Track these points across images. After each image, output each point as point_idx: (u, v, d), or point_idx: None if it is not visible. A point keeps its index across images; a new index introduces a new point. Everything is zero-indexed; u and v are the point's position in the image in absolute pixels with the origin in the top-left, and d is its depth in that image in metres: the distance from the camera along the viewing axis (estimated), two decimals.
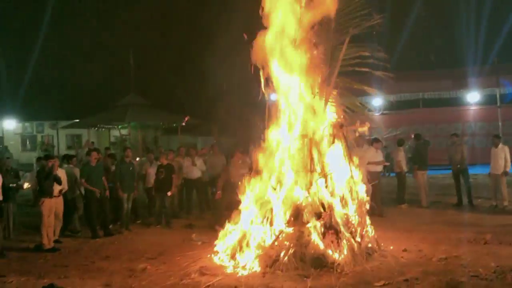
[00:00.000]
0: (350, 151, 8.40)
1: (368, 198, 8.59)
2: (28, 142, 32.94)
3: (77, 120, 27.33)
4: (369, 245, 7.83)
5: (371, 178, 10.13)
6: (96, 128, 27.88)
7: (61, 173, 10.01)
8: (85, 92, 30.23)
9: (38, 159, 10.58)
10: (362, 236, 7.84)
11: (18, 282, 7.17)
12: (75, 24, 30.02)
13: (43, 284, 6.76)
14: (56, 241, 9.72)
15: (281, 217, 7.75)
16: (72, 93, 30.61)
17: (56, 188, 9.68)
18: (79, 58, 31.29)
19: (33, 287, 6.80)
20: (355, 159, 8.52)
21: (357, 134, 9.46)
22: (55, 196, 9.64)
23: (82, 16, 30.51)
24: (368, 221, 8.20)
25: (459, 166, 12.77)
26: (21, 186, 10.72)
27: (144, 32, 28.17)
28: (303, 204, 7.77)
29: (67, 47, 31.22)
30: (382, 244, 8.17)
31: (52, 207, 9.60)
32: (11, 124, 30.52)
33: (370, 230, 8.07)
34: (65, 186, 10.08)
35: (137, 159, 16.48)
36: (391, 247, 8.25)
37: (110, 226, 11.24)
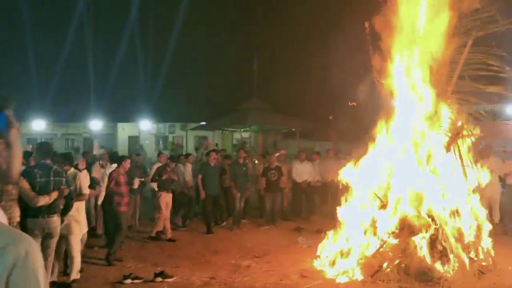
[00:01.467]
0: (466, 161, 7.89)
1: (487, 212, 8.00)
2: (161, 142, 35.78)
3: (204, 123, 29.00)
4: (484, 263, 7.29)
5: (508, 192, 9.39)
6: (221, 131, 29.33)
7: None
8: (212, 97, 31.95)
9: (170, 158, 11.56)
10: (476, 253, 7.34)
11: (135, 268, 7.91)
12: (203, 31, 31.83)
13: (157, 271, 7.39)
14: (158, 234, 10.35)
15: (387, 227, 7.55)
16: (201, 97, 32.55)
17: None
18: (206, 65, 33.14)
19: (147, 273, 7.45)
20: (484, 170, 7.98)
21: (481, 145, 8.86)
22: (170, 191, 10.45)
23: (209, 23, 32.24)
24: (486, 237, 7.64)
25: None
26: (148, 181, 11.73)
27: (266, 37, 29.00)
28: (410, 215, 7.50)
29: (197, 53, 33.26)
30: (499, 264, 7.54)
31: (169, 201, 10.42)
32: (146, 125, 33.20)
33: (486, 247, 7.51)
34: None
35: (256, 161, 17.03)
36: (510, 268, 7.57)
37: (224, 223, 11.90)
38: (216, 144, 28.79)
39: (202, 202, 11.60)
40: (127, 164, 8.81)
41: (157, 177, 10.42)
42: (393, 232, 7.35)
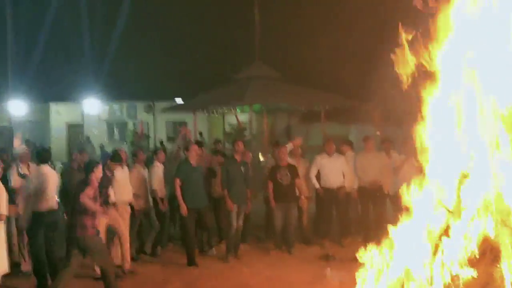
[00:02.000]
0: None
1: None
2: (116, 131, 35.80)
3: (181, 101, 28.97)
4: None
5: None
6: (206, 113, 29.28)
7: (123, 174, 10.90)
8: (193, 63, 31.85)
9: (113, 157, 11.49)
10: None
11: None
12: None
13: None
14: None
15: (460, 252, 7.46)
16: (176, 65, 32.40)
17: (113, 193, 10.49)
18: (182, 17, 33.00)
19: None
20: None
21: None
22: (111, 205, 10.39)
23: None
24: None
25: None
26: None
27: None
28: (496, 234, 7.40)
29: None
30: None
31: (125, 219, 10.53)
32: (94, 106, 32.88)
33: None
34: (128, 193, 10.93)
35: (261, 158, 16.93)
36: None
37: (213, 251, 11.97)
38: (200, 134, 28.81)
39: (181, 220, 11.54)
40: (99, 172, 8.89)
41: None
42: (470, 260, 7.26)
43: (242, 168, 11.87)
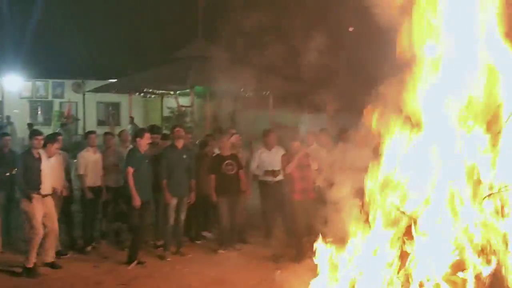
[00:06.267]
0: None
1: None
2: (40, 111, 35.15)
3: (114, 80, 28.62)
4: None
5: None
6: (142, 95, 29.04)
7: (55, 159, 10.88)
8: (129, 38, 31.50)
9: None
10: None
11: None
12: None
13: None
14: (51, 265, 10.61)
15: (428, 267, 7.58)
16: (110, 40, 32.01)
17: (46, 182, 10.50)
18: None
19: None
20: None
21: None
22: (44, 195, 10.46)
23: None
24: None
25: None
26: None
27: None
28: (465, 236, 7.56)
29: None
30: None
31: (49, 208, 10.49)
32: (14, 83, 32.24)
33: None
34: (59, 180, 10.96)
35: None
36: None
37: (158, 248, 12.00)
38: (131, 118, 28.45)
39: (129, 212, 11.42)
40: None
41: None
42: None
43: (185, 156, 11.88)
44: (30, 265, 10.18)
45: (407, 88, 8.30)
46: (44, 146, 10.70)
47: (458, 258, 7.42)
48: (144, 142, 11.28)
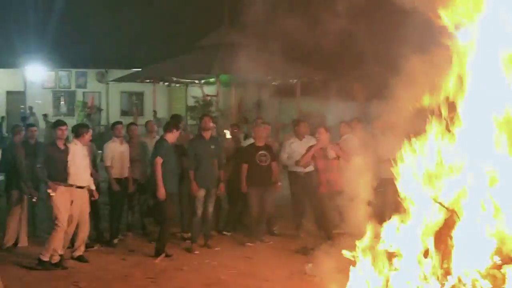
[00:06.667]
0: None
1: None
2: (63, 102, 35.26)
3: (137, 70, 28.61)
4: None
5: None
6: (166, 84, 29.03)
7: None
8: (152, 27, 31.43)
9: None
10: None
11: None
12: None
13: None
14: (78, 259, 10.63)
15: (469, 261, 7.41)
16: (133, 29, 31.93)
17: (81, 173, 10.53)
18: None
19: None
20: None
21: None
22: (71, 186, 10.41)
23: None
24: None
25: None
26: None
27: None
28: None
29: None
30: None
31: (67, 202, 10.37)
32: (37, 73, 32.35)
33: None
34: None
35: (227, 136, 16.92)
36: None
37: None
38: (154, 112, 28.40)
39: (156, 205, 11.41)
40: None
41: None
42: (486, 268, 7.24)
43: (212, 147, 11.81)
44: (46, 258, 10.07)
45: (443, 75, 8.17)
46: (77, 136, 10.67)
47: (498, 252, 7.31)
48: (173, 137, 11.24)
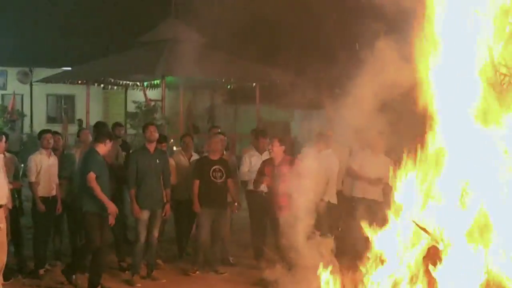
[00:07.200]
0: None
1: None
2: None
3: (68, 69, 28.51)
4: None
5: None
6: (102, 86, 28.93)
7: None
8: (87, 21, 31.43)
9: None
10: None
11: None
12: None
13: None
14: None
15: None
16: (63, 21, 31.87)
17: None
18: None
19: None
20: None
21: None
22: None
23: None
24: None
25: None
26: None
27: None
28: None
29: None
30: None
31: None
32: None
33: None
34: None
35: (174, 146, 17.01)
36: None
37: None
38: (80, 122, 28.24)
39: (85, 229, 11.24)
40: None
41: None
42: None
43: (158, 161, 11.81)
44: None
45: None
46: None
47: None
48: (106, 149, 11.16)
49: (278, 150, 11.78)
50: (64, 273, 11.10)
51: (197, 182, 12.07)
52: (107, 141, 11.15)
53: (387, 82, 9.17)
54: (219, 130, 14.35)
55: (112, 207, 10.76)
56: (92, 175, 10.73)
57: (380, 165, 12.78)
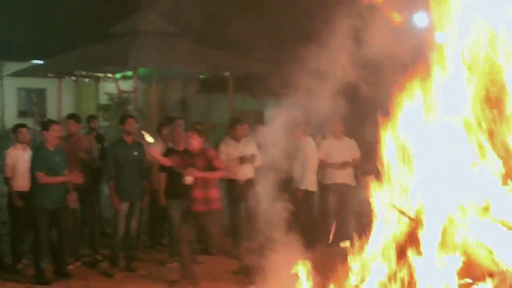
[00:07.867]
0: None
1: None
2: None
3: (39, 62, 28.34)
4: None
5: None
6: (74, 79, 28.80)
7: None
8: (57, 12, 31.26)
9: None
10: None
11: None
12: None
13: None
14: None
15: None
16: (32, 13, 31.71)
17: None
18: None
19: None
20: None
21: None
22: None
23: None
24: None
25: None
26: None
27: None
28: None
29: None
30: None
31: None
32: None
33: None
34: None
35: (148, 139, 16.96)
36: None
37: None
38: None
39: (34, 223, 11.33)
40: None
41: None
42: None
43: (135, 153, 11.83)
44: None
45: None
46: None
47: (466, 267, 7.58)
48: (52, 136, 11.16)
49: (196, 142, 11.48)
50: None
51: (163, 174, 12.01)
52: (50, 126, 11.24)
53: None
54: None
55: (71, 177, 11.01)
56: (39, 174, 10.89)
57: (344, 148, 13.43)
